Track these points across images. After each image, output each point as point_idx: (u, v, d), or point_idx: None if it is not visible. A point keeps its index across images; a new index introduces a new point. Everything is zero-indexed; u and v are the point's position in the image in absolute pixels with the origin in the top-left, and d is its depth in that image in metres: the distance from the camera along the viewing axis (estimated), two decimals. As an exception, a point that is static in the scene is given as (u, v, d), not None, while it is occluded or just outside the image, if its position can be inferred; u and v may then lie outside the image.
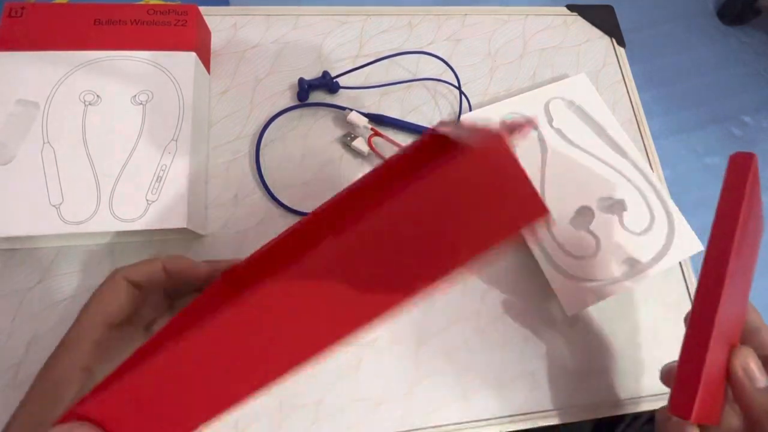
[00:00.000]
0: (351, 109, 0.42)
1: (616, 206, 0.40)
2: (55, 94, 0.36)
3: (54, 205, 0.33)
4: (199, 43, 0.40)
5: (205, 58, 0.42)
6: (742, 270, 0.27)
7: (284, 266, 0.18)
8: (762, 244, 0.32)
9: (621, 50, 0.51)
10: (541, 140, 0.42)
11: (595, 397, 0.38)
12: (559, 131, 0.43)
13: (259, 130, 0.42)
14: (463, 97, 0.45)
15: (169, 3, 0.41)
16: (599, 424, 0.41)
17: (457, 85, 0.45)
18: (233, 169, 0.41)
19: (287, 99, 0.44)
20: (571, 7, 0.52)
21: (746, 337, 0.27)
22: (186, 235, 0.37)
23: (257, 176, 0.41)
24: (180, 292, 0.31)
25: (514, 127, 0.21)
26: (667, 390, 0.25)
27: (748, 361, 0.25)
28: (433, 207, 0.18)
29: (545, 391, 0.38)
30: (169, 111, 0.37)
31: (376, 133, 0.42)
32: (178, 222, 0.34)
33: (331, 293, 0.18)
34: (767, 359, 0.25)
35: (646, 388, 0.39)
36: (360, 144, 0.42)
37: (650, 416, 0.39)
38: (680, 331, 0.25)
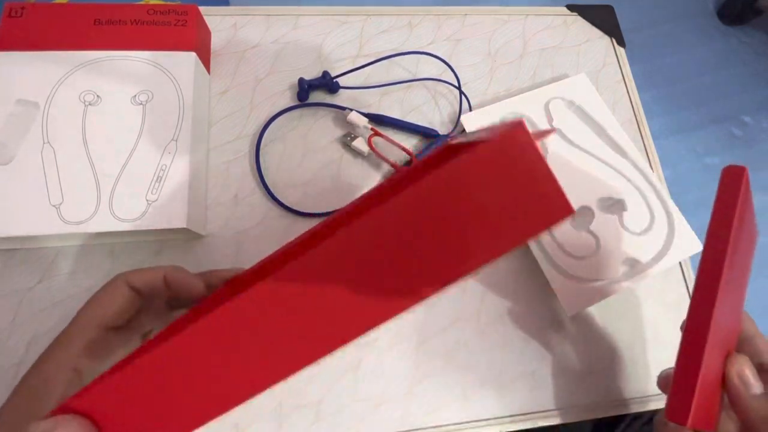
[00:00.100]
0: (351, 109, 0.42)
1: (616, 206, 0.40)
2: (55, 94, 0.36)
3: (54, 205, 0.33)
4: (199, 43, 0.40)
5: (205, 58, 0.42)
6: (736, 279, 0.27)
7: (284, 265, 0.18)
8: (756, 249, 0.32)
9: (621, 50, 0.51)
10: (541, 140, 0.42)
11: (595, 397, 0.38)
12: (559, 131, 0.43)
13: (259, 130, 0.42)
14: (463, 97, 0.45)
15: (169, 3, 0.41)
16: (599, 424, 0.41)
17: (457, 85, 0.45)
18: (233, 169, 0.41)
19: (287, 99, 0.44)
20: (571, 7, 0.52)
21: (741, 345, 0.27)
22: (186, 235, 0.38)
23: (257, 176, 0.41)
24: (181, 303, 0.31)
25: (538, 134, 0.20)
26: (666, 390, 0.25)
27: (743, 368, 0.25)
28: (445, 203, 0.16)
29: (545, 391, 0.38)
30: (169, 111, 0.37)
31: (376, 133, 0.42)
32: (178, 222, 0.34)
33: (333, 293, 0.17)
34: (762, 366, 0.26)
35: (646, 388, 0.39)
36: (360, 144, 0.42)
37: (650, 416, 0.40)
38: (680, 332, 0.25)
